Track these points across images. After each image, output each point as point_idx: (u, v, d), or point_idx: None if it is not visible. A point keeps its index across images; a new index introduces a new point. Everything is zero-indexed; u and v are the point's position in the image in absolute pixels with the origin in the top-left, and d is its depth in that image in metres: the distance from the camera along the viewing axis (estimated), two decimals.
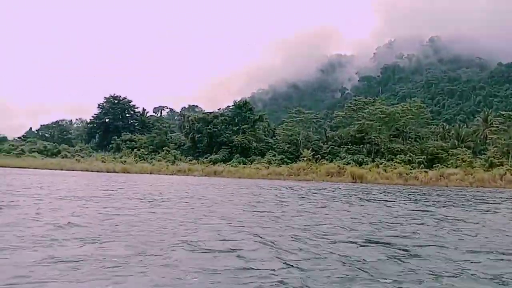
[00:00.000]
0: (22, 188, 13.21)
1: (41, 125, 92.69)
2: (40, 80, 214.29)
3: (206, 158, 60.24)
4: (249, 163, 56.83)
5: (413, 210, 10.55)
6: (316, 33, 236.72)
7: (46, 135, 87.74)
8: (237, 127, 67.89)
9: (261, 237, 5.28)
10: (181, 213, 7.91)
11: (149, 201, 9.69)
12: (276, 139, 68.65)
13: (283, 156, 59.54)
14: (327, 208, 10.19)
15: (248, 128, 67.45)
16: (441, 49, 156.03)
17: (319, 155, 56.70)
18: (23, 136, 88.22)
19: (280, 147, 64.03)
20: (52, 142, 75.34)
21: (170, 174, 48.69)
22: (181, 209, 8.67)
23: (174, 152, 64.19)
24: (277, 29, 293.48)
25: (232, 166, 54.12)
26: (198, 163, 56.92)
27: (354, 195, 17.16)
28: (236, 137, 64.97)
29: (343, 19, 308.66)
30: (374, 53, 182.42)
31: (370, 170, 45.02)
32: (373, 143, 60.93)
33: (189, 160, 59.33)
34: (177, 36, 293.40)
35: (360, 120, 62.66)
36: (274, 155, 59.95)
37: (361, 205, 11.67)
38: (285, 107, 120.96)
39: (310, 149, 57.36)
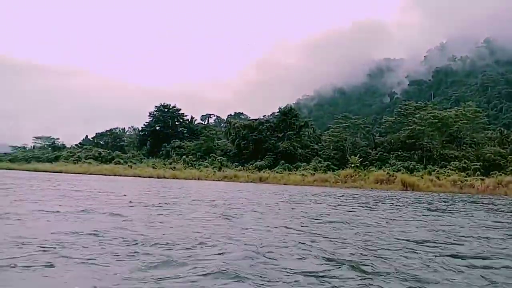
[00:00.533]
0: (92, 192, 13.85)
1: (96, 133, 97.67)
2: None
3: (252, 164, 60.55)
4: (294, 169, 56.44)
5: (496, 221, 9.84)
6: (362, 36, 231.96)
7: (101, 142, 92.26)
8: (282, 134, 67.85)
9: (349, 258, 4.96)
10: (258, 222, 7.81)
11: (221, 213, 9.65)
12: (322, 145, 67.76)
13: (329, 163, 58.55)
14: (398, 220, 9.70)
15: (293, 135, 67.20)
16: (497, 50, 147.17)
17: (367, 162, 55.21)
18: (80, 143, 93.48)
19: (326, 154, 63.08)
20: (106, 149, 79.07)
21: (216, 180, 49.42)
22: (253, 218, 8.60)
23: (220, 158, 65.18)
24: (321, 33, 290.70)
25: (277, 172, 54.04)
26: (244, 169, 57.35)
27: (416, 203, 16.38)
28: (281, 143, 64.90)
29: (391, 21, 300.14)
30: (424, 56, 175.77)
31: (421, 178, 43.15)
32: (424, 149, 58.45)
33: (235, 167, 59.93)
34: (205, 38, 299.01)
35: (411, 126, 60.39)
36: (319, 162, 59.13)
37: (432, 216, 11.06)
38: (330, 113, 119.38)
39: (358, 155, 55.98)
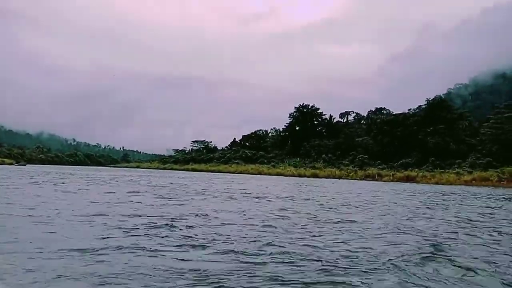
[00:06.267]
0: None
1: (243, 136, 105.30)
2: None
3: (397, 162, 56.95)
4: (447, 167, 51.02)
5: None
6: None
7: (247, 144, 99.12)
8: (432, 128, 61.99)
9: None
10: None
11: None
12: (481, 139, 59.41)
13: (490, 159, 51.01)
14: None
15: (445, 128, 60.79)
16: None
17: None
18: (229, 145, 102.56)
19: (486, 149, 55.13)
20: (252, 150, 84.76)
21: (358, 179, 48.16)
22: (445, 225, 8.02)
23: (361, 156, 63.17)
24: (477, 13, 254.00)
25: (426, 170, 49.77)
26: (388, 167, 54.48)
27: None
28: (431, 138, 59.36)
29: None
30: None
31: None
32: None
33: (378, 165, 57.35)
34: None
35: None
36: (478, 158, 52.09)
37: None
38: (490, 102, 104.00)
39: None
